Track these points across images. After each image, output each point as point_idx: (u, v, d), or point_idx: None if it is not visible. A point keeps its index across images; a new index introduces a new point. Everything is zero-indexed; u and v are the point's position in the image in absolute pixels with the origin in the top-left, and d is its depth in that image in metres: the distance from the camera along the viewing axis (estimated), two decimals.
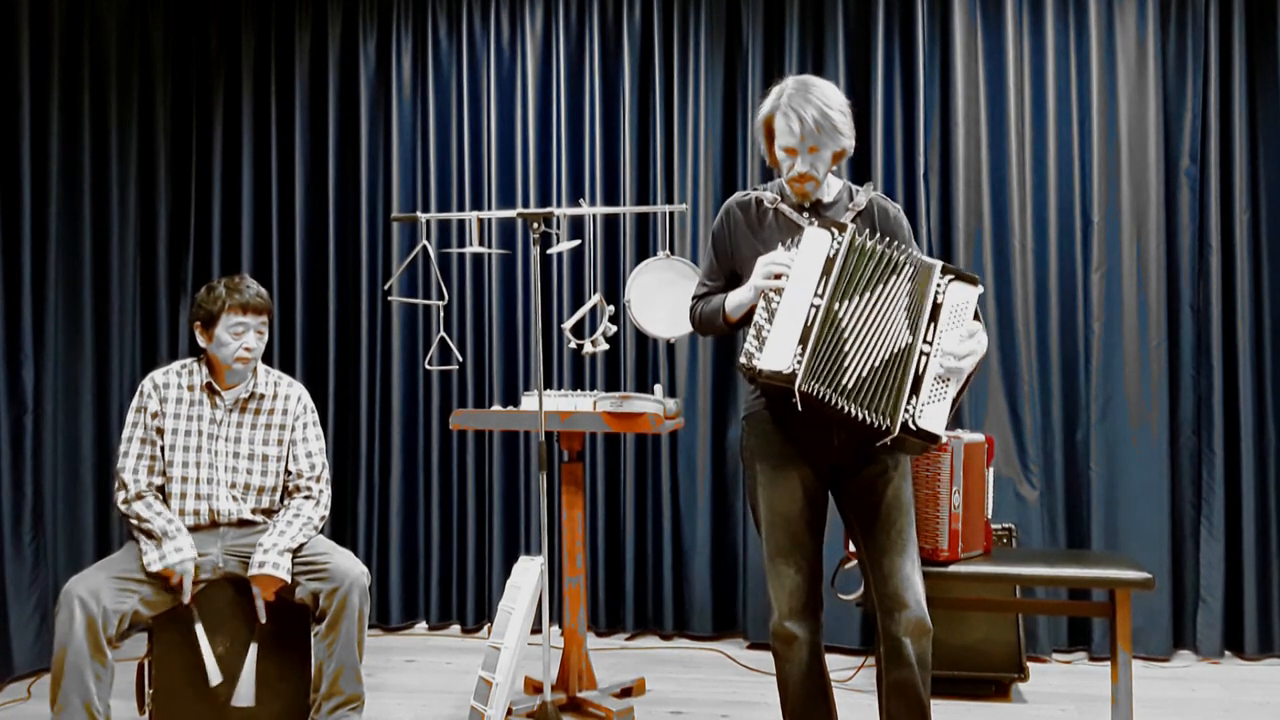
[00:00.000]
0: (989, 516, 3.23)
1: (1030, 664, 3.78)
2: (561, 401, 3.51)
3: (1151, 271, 4.08)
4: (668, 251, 3.69)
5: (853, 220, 2.57)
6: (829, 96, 2.51)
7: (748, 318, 2.50)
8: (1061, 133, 4.16)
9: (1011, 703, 3.62)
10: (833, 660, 4.02)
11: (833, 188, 2.64)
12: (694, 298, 2.76)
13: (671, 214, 4.23)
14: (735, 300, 2.57)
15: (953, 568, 2.98)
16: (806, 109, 2.48)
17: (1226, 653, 4.05)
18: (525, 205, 4.47)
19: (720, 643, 4.35)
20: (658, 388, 3.67)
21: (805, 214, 2.58)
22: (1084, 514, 4.11)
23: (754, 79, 4.33)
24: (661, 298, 3.59)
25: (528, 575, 3.15)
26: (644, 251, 4.34)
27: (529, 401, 3.55)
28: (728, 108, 4.41)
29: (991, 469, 3.29)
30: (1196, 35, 4.09)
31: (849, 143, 2.56)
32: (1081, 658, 4.11)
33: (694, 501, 4.37)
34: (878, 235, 2.47)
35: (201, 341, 3.05)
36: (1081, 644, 4.15)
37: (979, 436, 3.16)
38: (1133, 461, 4.06)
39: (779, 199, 2.62)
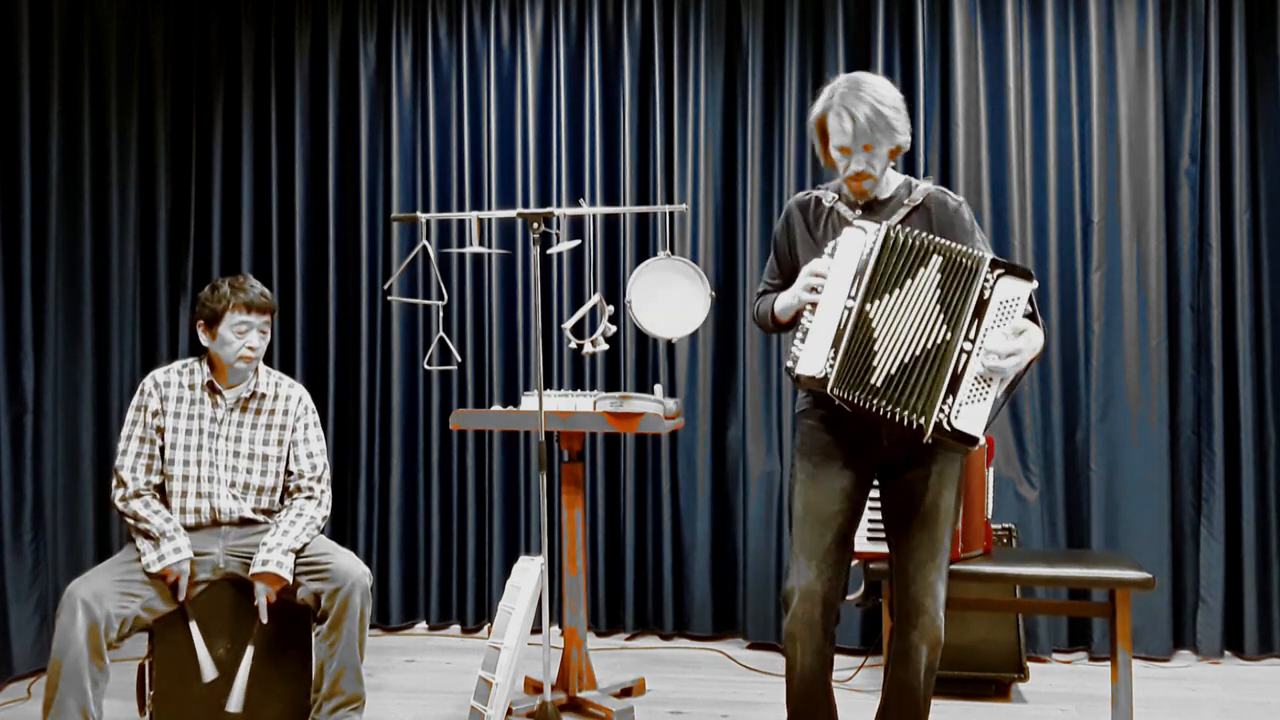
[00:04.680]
0: (989, 516, 3.23)
1: (1030, 664, 3.78)
2: (561, 401, 3.51)
3: (1151, 271, 4.08)
4: (668, 251, 3.69)
5: (907, 215, 2.53)
6: (882, 93, 2.46)
7: (796, 319, 2.50)
8: (1061, 133, 4.16)
9: (1011, 703, 3.62)
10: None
11: (891, 184, 2.59)
12: (757, 294, 2.78)
13: (671, 214, 4.23)
14: (782, 304, 2.57)
15: (953, 568, 2.97)
16: (859, 107, 2.43)
17: (1226, 653, 4.06)
18: (525, 205, 4.46)
19: (720, 643, 4.35)
20: (658, 388, 3.67)
21: (859, 212, 2.54)
22: (1084, 514, 4.11)
23: (754, 79, 4.33)
24: (661, 298, 3.58)
25: (528, 575, 3.15)
26: (644, 251, 4.34)
27: (529, 401, 3.55)
28: (728, 108, 4.41)
29: (991, 469, 3.29)
30: (1196, 35, 4.09)
31: (904, 139, 2.50)
32: (1081, 658, 4.11)
33: (694, 501, 4.37)
34: (915, 230, 2.40)
35: (204, 340, 3.05)
36: (1081, 644, 4.15)
37: None
38: (1133, 461, 4.06)
39: (837, 198, 2.59)
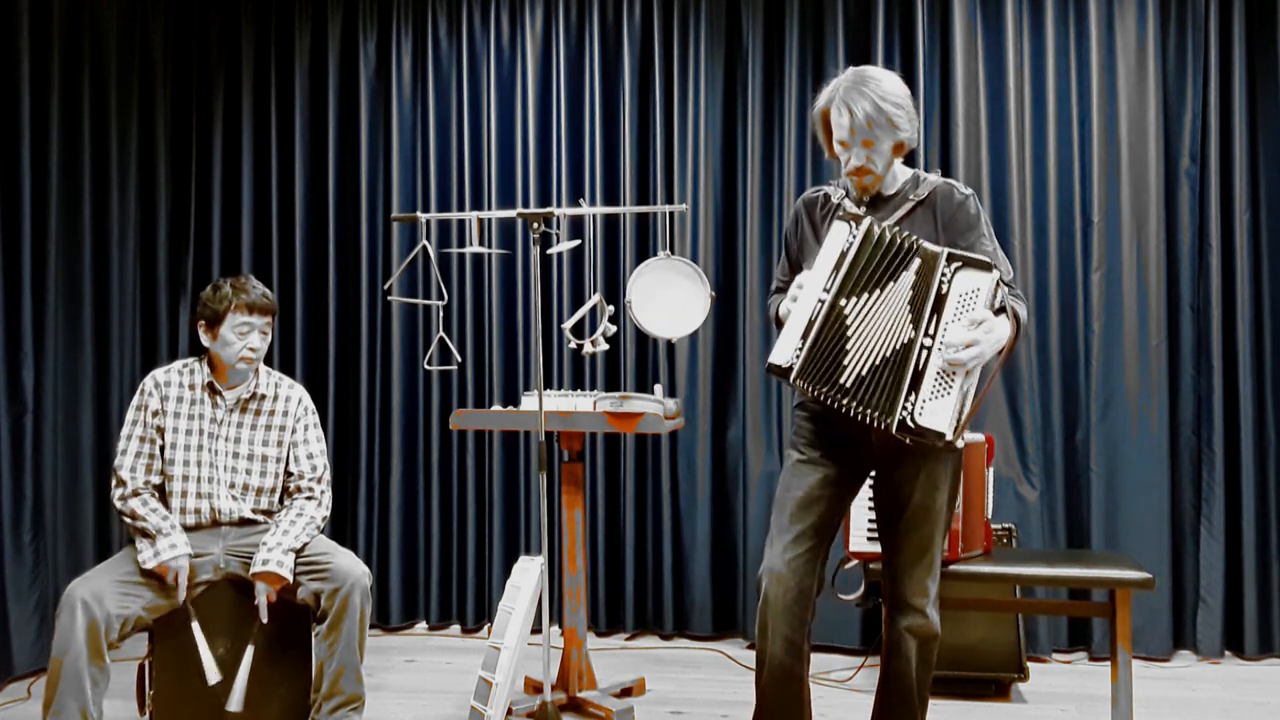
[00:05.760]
0: (989, 516, 3.23)
1: (1030, 664, 3.78)
2: (561, 401, 3.51)
3: (1151, 271, 4.08)
4: (668, 251, 3.68)
5: (910, 211, 2.50)
6: (885, 89, 2.42)
7: None
8: (1061, 133, 4.16)
9: (1011, 703, 3.62)
10: (833, 660, 4.04)
11: (899, 178, 2.56)
12: (771, 290, 2.78)
13: (671, 214, 4.23)
14: (784, 308, 2.54)
15: (953, 568, 2.98)
16: (859, 103, 2.40)
17: (1226, 653, 4.06)
18: (525, 205, 4.46)
19: (720, 643, 4.35)
20: (658, 388, 3.67)
21: (864, 209, 2.51)
22: (1084, 514, 4.11)
23: (754, 79, 4.33)
24: (661, 298, 3.58)
25: (528, 575, 3.15)
26: (644, 251, 4.34)
27: (529, 401, 3.55)
28: (728, 108, 4.41)
29: (991, 469, 3.29)
30: (1196, 35, 4.09)
31: (908, 135, 2.46)
32: (1081, 658, 4.11)
33: (694, 501, 4.37)
34: (903, 230, 2.38)
35: (205, 340, 3.05)
36: (1081, 644, 4.15)
37: (979, 436, 3.16)
38: (1133, 461, 4.06)
39: (844, 194, 2.57)
